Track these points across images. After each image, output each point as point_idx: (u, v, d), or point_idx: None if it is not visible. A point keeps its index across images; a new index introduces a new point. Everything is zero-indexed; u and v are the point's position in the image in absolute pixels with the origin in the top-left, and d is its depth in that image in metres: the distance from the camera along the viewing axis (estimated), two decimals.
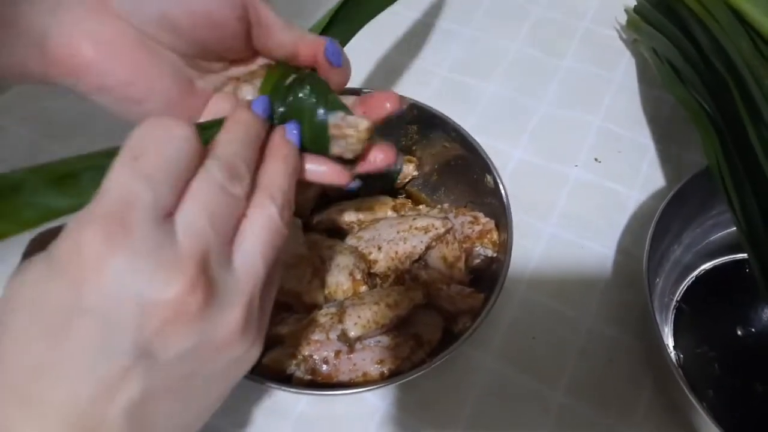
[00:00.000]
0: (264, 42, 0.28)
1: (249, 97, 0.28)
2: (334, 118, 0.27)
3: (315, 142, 0.27)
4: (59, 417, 0.18)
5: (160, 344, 0.19)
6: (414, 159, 0.48)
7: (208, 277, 0.20)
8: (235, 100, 0.28)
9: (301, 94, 0.27)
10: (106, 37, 0.25)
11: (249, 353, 0.23)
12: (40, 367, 0.19)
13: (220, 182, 0.21)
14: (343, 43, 0.32)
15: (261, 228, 0.22)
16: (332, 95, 0.28)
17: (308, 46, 0.28)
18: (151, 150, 0.20)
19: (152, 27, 0.25)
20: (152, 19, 0.25)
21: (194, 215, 0.21)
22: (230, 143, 0.23)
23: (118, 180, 0.20)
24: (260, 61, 0.30)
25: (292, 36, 0.28)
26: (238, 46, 0.28)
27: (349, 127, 0.27)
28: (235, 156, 0.23)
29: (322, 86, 0.28)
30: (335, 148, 0.28)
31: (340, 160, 0.29)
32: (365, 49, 0.59)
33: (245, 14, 0.26)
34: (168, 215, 0.20)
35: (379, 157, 0.29)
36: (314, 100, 0.27)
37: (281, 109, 0.27)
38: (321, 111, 0.27)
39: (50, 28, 0.24)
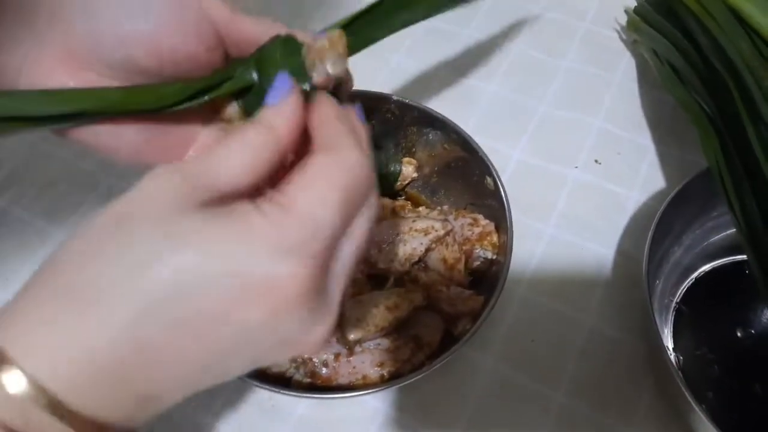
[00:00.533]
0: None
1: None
2: (305, 49, 0.25)
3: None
4: (82, 343, 0.18)
5: (240, 311, 0.19)
6: (414, 161, 0.48)
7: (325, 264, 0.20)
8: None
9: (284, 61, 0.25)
10: (75, 83, 0.24)
11: (321, 332, 0.22)
12: (86, 286, 0.19)
13: (352, 174, 0.21)
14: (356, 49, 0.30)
15: (358, 241, 0.22)
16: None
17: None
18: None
19: (120, 72, 0.25)
20: (119, 64, 0.24)
21: (323, 198, 0.20)
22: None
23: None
24: None
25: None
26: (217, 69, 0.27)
27: (323, 44, 0.25)
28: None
29: (296, 46, 0.26)
30: (318, 76, 0.25)
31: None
32: (365, 52, 0.59)
33: (218, 42, 0.25)
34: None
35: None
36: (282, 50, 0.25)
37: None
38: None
39: (21, 76, 0.24)
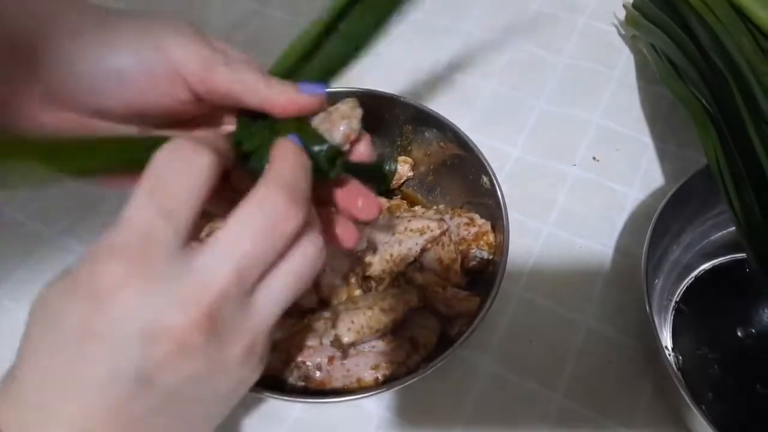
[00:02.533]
0: (229, 103, 0.27)
1: None
2: (318, 119, 0.27)
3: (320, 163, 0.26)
4: (68, 428, 0.20)
5: (162, 372, 0.21)
6: (409, 159, 0.47)
7: (217, 315, 0.21)
8: None
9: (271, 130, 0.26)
10: (51, 124, 0.25)
11: (249, 379, 0.24)
12: (54, 380, 0.20)
13: (268, 220, 0.22)
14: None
15: (291, 276, 0.23)
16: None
17: (281, 98, 0.26)
18: (172, 180, 0.21)
19: (99, 116, 0.26)
20: (97, 111, 0.26)
21: (222, 254, 0.21)
22: (285, 174, 0.23)
23: (139, 212, 0.21)
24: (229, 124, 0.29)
25: (260, 97, 0.26)
26: (193, 114, 0.27)
27: (337, 113, 0.26)
28: (295, 188, 0.23)
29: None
30: (335, 135, 0.26)
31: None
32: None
33: (190, 96, 0.26)
34: (187, 245, 0.21)
35: (361, 204, 0.27)
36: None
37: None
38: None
39: (4, 120, 0.25)
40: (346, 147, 0.27)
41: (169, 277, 0.20)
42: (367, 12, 0.30)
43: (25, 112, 0.25)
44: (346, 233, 0.27)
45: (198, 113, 0.27)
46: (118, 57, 0.25)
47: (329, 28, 0.29)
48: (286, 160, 0.23)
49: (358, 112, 0.27)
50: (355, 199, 0.27)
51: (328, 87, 0.27)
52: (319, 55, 0.29)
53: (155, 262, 0.20)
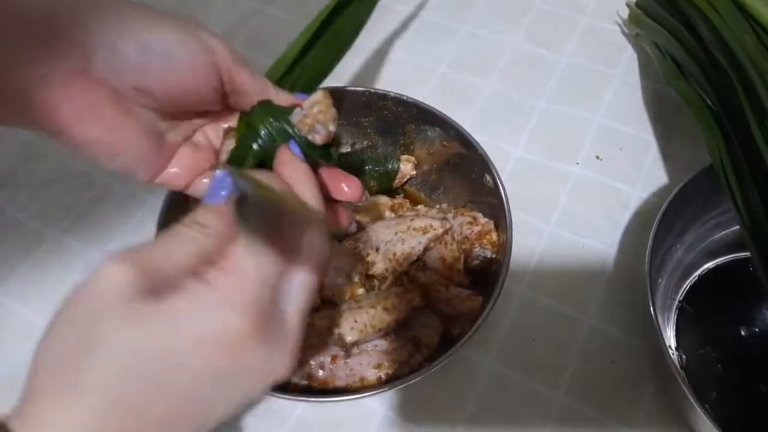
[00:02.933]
0: (240, 104, 0.30)
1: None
2: (296, 115, 0.29)
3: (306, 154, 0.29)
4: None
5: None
6: (412, 158, 0.47)
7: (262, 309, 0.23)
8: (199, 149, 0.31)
9: (266, 124, 0.29)
10: (87, 101, 0.26)
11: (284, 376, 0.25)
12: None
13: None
14: (313, 86, 0.34)
15: (299, 290, 0.25)
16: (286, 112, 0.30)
17: (284, 104, 0.30)
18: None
19: (129, 92, 0.27)
20: (129, 87, 0.27)
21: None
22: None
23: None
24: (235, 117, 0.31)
25: (268, 97, 0.30)
26: (213, 107, 0.30)
27: (311, 107, 0.28)
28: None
29: (277, 110, 0.29)
30: (320, 136, 0.29)
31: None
32: (361, 46, 0.59)
33: (220, 86, 0.28)
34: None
35: (347, 187, 0.30)
36: (278, 121, 0.29)
37: (256, 146, 0.29)
38: (287, 127, 0.29)
39: (37, 92, 0.26)
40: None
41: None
42: (348, 19, 0.34)
43: (65, 87, 0.26)
44: (341, 214, 0.30)
45: (216, 104, 0.29)
46: (165, 38, 0.26)
47: (317, 34, 0.32)
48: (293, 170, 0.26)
49: (333, 113, 0.29)
50: (340, 183, 0.29)
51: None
52: (308, 59, 0.33)
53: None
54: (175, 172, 0.30)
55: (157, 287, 0.22)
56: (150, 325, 0.21)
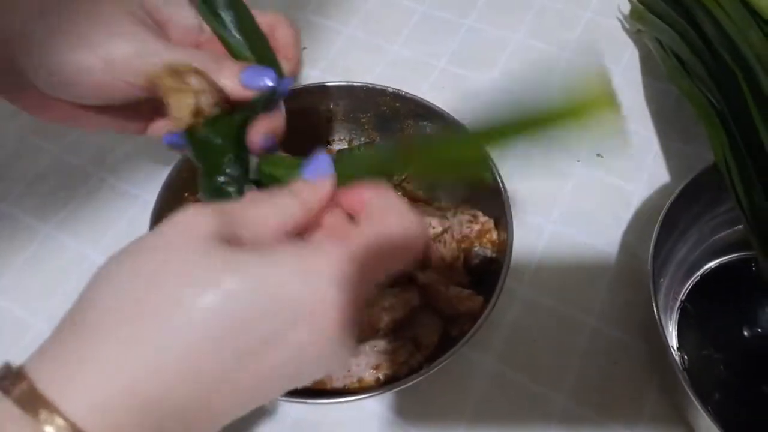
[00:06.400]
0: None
1: None
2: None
3: None
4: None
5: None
6: None
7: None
8: None
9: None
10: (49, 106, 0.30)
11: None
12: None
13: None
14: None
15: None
16: None
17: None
18: None
19: (81, 105, 0.30)
20: (77, 101, 0.30)
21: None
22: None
23: None
24: None
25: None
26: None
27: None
28: None
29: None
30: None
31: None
32: (361, 41, 0.58)
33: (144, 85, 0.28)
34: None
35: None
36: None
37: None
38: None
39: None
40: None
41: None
42: None
43: (34, 100, 0.28)
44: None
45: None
46: (76, 56, 0.27)
47: None
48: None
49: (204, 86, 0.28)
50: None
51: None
52: None
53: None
54: (163, 125, 0.32)
55: (242, 243, 0.20)
56: (246, 271, 0.19)
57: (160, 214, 0.38)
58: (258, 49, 0.30)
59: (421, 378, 0.33)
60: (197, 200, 0.42)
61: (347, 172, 0.25)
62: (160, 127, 0.31)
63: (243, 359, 0.19)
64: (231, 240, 0.20)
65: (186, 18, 0.30)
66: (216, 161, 0.28)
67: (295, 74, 0.32)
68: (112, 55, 0.27)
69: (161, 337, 0.18)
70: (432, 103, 0.43)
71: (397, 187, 0.47)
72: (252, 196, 0.23)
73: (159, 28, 0.29)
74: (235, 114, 0.29)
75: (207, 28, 0.31)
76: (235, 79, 0.28)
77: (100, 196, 0.50)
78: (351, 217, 0.25)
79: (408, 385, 0.33)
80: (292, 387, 0.21)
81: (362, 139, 0.48)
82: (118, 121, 0.31)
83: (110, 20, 0.27)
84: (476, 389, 0.40)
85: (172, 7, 0.29)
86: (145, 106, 0.31)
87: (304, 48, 0.57)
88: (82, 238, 0.48)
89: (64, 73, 0.27)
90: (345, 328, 0.20)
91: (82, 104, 0.30)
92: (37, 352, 0.19)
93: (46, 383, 0.18)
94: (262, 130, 0.29)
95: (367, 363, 0.35)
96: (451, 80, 0.55)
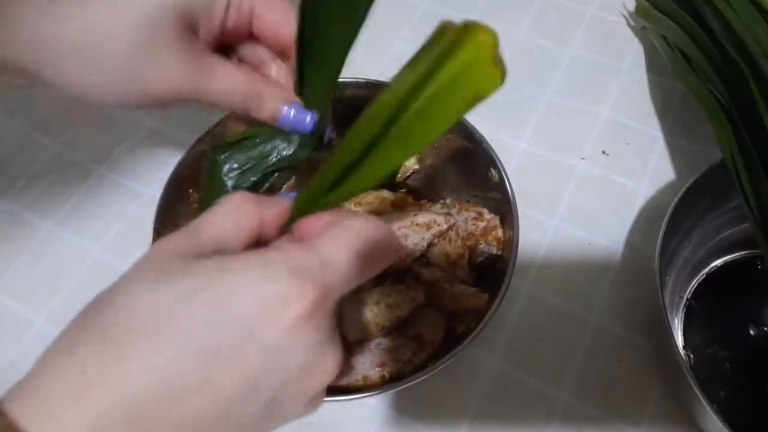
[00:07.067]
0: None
1: None
2: None
3: None
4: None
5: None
6: None
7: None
8: None
9: None
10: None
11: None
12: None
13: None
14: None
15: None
16: None
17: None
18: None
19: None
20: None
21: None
22: None
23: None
24: None
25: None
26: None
27: None
28: None
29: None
30: None
31: None
32: (363, 37, 0.57)
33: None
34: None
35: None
36: None
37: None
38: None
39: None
40: None
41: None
42: None
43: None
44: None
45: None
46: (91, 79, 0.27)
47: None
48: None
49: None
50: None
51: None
52: None
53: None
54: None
55: (204, 253, 0.21)
56: (203, 282, 0.19)
57: (164, 211, 0.38)
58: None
59: (426, 376, 0.33)
60: (199, 200, 0.42)
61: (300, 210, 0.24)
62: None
63: (217, 362, 0.19)
64: (197, 255, 0.20)
65: (214, 11, 0.29)
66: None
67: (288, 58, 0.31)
68: (150, 89, 0.27)
69: (128, 361, 0.18)
70: None
71: (402, 184, 0.46)
72: (213, 211, 0.22)
73: (190, 22, 0.28)
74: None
75: (233, 7, 0.29)
76: (273, 119, 0.30)
77: (102, 193, 0.49)
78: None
79: (412, 383, 0.33)
80: (268, 390, 0.20)
81: None
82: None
83: (155, 42, 0.27)
84: (479, 387, 0.40)
85: (200, 7, 0.28)
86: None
87: None
88: (84, 235, 0.47)
89: (95, 84, 0.27)
90: (314, 326, 0.20)
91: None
92: (16, 389, 0.19)
93: (26, 419, 0.18)
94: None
95: (371, 361, 0.35)
96: None
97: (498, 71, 0.18)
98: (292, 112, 0.30)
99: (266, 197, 0.24)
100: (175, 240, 0.21)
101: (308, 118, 0.30)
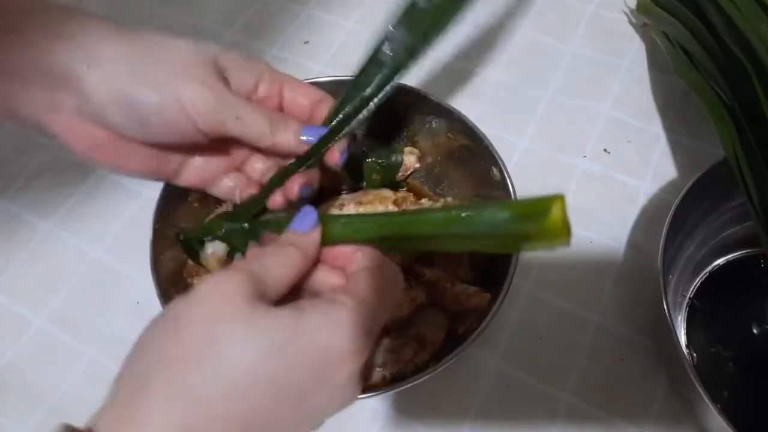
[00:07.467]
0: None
1: None
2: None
3: None
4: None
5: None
6: (416, 150, 0.46)
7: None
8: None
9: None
10: (83, 134, 0.29)
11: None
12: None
13: None
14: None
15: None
16: None
17: (283, 146, 0.31)
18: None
19: (121, 136, 0.30)
20: (117, 133, 0.29)
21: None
22: None
23: None
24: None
25: (266, 144, 0.31)
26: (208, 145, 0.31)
27: None
28: None
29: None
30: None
31: None
32: (365, 36, 0.57)
33: (202, 135, 0.29)
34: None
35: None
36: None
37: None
38: None
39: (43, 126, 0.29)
40: None
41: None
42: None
43: (61, 122, 0.28)
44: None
45: (210, 143, 0.31)
46: (132, 96, 0.27)
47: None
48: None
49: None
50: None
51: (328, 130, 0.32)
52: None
53: None
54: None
55: (268, 298, 0.23)
56: (274, 328, 0.22)
57: (162, 212, 0.38)
58: None
59: (428, 376, 0.33)
60: (200, 199, 0.41)
61: (331, 235, 0.27)
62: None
63: (293, 403, 0.22)
64: (260, 297, 0.23)
65: (245, 78, 0.31)
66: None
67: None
68: (191, 98, 0.28)
69: (220, 388, 0.21)
70: (437, 97, 0.42)
71: (403, 183, 0.46)
72: (263, 252, 0.25)
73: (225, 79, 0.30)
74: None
75: (263, 87, 0.32)
76: (297, 136, 0.31)
77: (101, 193, 0.49)
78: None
79: (413, 383, 0.33)
80: (329, 415, 0.25)
81: (365, 134, 0.47)
82: (155, 159, 0.31)
83: (192, 65, 0.28)
84: (480, 387, 0.40)
85: (234, 70, 0.30)
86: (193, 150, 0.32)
87: (306, 42, 0.56)
88: (83, 235, 0.47)
89: (135, 111, 0.28)
90: (358, 374, 0.24)
91: (120, 136, 0.30)
92: (101, 413, 0.21)
93: None
94: (302, 181, 0.32)
95: (373, 361, 0.34)
96: (455, 75, 0.55)
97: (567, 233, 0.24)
98: (309, 129, 0.31)
99: (304, 238, 0.27)
100: (246, 284, 0.23)
101: (323, 129, 0.32)
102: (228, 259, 0.35)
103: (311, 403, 0.23)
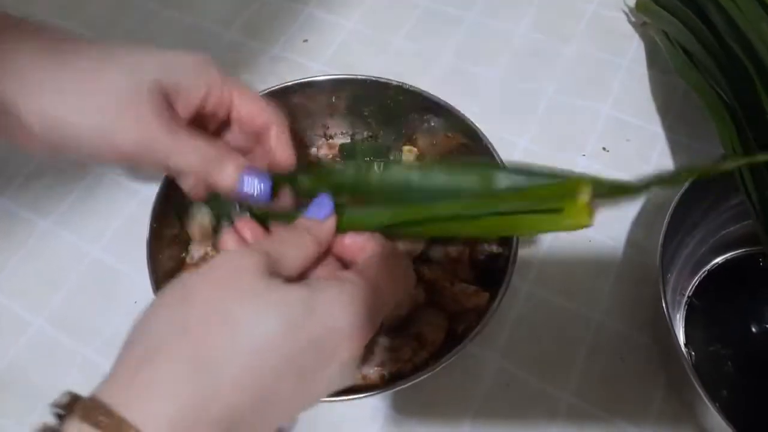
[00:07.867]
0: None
1: None
2: None
3: None
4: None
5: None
6: (414, 149, 0.46)
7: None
8: None
9: None
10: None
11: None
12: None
13: None
14: None
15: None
16: None
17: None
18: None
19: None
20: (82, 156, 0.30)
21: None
22: None
23: None
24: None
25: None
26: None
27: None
28: None
29: None
30: None
31: None
32: (365, 35, 0.57)
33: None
34: None
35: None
36: None
37: None
38: None
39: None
40: None
41: None
42: None
43: (13, 139, 0.29)
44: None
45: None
46: (63, 128, 0.28)
47: None
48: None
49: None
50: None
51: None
52: None
53: None
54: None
55: (281, 277, 0.23)
56: (287, 302, 0.22)
57: (160, 210, 0.38)
58: None
59: (427, 375, 0.33)
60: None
61: (347, 223, 0.28)
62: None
63: (301, 377, 0.22)
64: (272, 274, 0.23)
65: (192, 93, 0.31)
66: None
67: (291, 165, 0.33)
68: (120, 137, 0.28)
69: (232, 357, 0.21)
70: (436, 96, 0.42)
71: None
72: (279, 235, 0.26)
73: (168, 97, 0.30)
74: None
75: (215, 93, 0.31)
76: (232, 185, 0.30)
77: (100, 191, 0.49)
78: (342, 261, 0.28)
79: (412, 383, 0.33)
80: (328, 393, 0.25)
81: (365, 133, 0.47)
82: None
83: (125, 100, 0.28)
84: (480, 386, 0.40)
85: (181, 89, 0.30)
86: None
87: (306, 41, 0.56)
88: (81, 233, 0.47)
89: (67, 139, 0.28)
90: (362, 347, 0.24)
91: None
92: (107, 382, 0.21)
93: (123, 410, 0.20)
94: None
95: (372, 360, 0.34)
96: (454, 73, 0.55)
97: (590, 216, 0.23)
98: (253, 179, 0.31)
99: (318, 224, 0.27)
100: (260, 260, 0.23)
101: (265, 186, 0.31)
102: (213, 236, 0.38)
103: (316, 378, 0.23)
